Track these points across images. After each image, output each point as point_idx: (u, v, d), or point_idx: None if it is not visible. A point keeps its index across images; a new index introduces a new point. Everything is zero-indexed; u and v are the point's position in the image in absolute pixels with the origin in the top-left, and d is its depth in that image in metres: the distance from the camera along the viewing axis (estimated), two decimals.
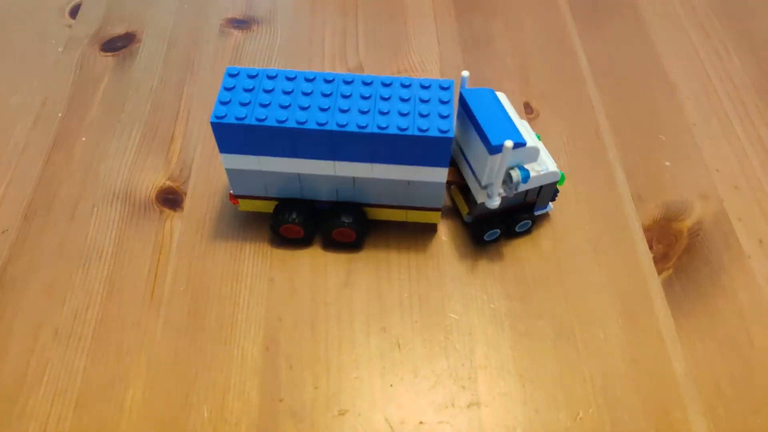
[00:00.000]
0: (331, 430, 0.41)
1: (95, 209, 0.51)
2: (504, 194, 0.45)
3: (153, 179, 0.54)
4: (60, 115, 0.58)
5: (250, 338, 0.45)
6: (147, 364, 0.43)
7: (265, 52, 0.64)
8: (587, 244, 0.50)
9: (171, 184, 0.53)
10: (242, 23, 0.67)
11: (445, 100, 0.43)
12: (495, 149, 0.42)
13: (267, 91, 0.43)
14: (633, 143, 0.56)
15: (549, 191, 0.48)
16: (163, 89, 0.61)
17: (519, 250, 0.49)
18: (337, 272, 0.48)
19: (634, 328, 0.45)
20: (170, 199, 0.52)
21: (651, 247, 0.49)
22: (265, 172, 0.45)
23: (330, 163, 0.44)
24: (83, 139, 0.56)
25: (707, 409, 0.42)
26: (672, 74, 0.62)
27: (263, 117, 0.41)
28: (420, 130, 0.41)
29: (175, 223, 0.51)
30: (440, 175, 0.44)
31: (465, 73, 0.45)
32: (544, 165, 0.46)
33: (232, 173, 0.46)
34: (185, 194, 0.53)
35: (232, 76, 0.44)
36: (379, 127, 0.41)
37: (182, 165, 0.55)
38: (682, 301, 0.47)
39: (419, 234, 0.50)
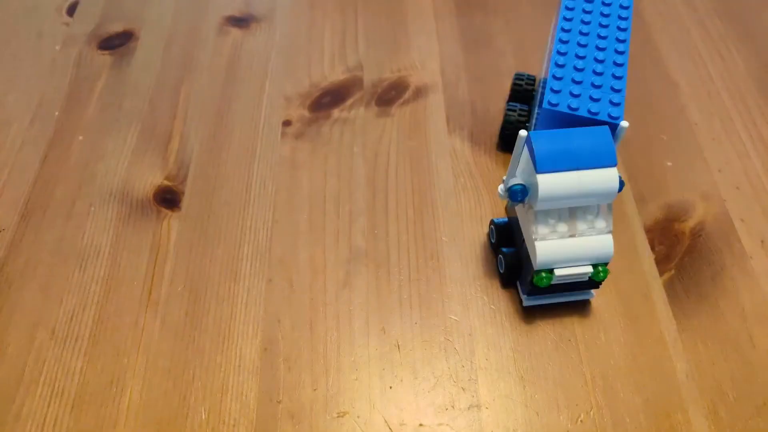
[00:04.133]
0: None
1: (92, 208, 0.51)
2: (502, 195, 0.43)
3: (150, 178, 0.53)
4: (57, 113, 0.58)
5: (249, 339, 0.44)
6: (144, 364, 0.43)
7: (264, 50, 0.63)
8: None
9: (169, 183, 0.53)
10: (241, 21, 0.66)
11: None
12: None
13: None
14: (634, 143, 0.56)
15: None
16: (161, 88, 0.60)
17: None
18: (336, 273, 0.48)
19: (635, 329, 0.45)
20: (168, 198, 0.52)
21: (653, 248, 0.49)
22: None
23: None
24: (80, 137, 0.56)
25: (709, 411, 0.42)
26: (674, 74, 0.62)
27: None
28: None
29: (173, 222, 0.50)
30: None
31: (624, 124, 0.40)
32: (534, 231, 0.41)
33: None
34: (183, 194, 0.52)
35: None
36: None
37: (180, 164, 0.54)
38: (684, 302, 0.46)
39: (419, 234, 0.50)
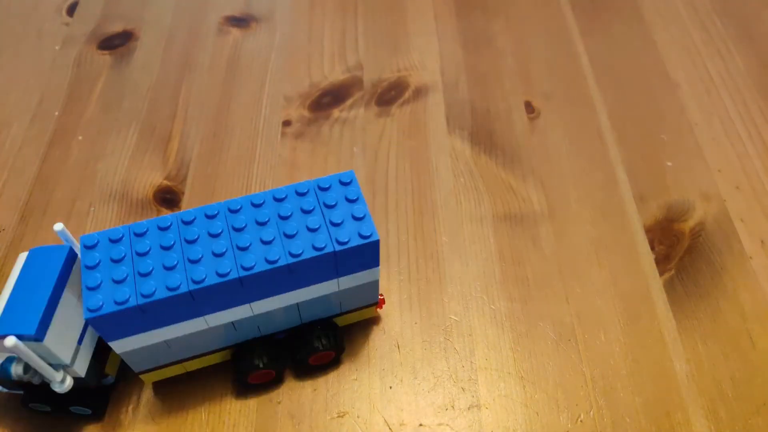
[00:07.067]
0: None
1: (92, 209, 0.51)
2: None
3: (150, 178, 0.53)
4: (57, 113, 0.58)
5: None
6: None
7: (264, 50, 0.63)
8: (588, 244, 0.49)
9: (168, 183, 0.53)
10: (241, 21, 0.66)
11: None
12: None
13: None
14: (634, 143, 0.56)
15: None
16: (161, 88, 0.60)
17: (520, 251, 0.49)
18: None
19: (635, 329, 0.45)
20: (168, 198, 0.52)
21: (653, 248, 0.49)
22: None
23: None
24: (80, 137, 0.56)
25: (709, 411, 0.42)
26: (674, 74, 0.62)
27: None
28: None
29: None
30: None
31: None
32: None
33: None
34: (183, 193, 0.52)
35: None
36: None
37: (180, 164, 0.54)
38: (684, 302, 0.46)
39: (419, 234, 0.50)
